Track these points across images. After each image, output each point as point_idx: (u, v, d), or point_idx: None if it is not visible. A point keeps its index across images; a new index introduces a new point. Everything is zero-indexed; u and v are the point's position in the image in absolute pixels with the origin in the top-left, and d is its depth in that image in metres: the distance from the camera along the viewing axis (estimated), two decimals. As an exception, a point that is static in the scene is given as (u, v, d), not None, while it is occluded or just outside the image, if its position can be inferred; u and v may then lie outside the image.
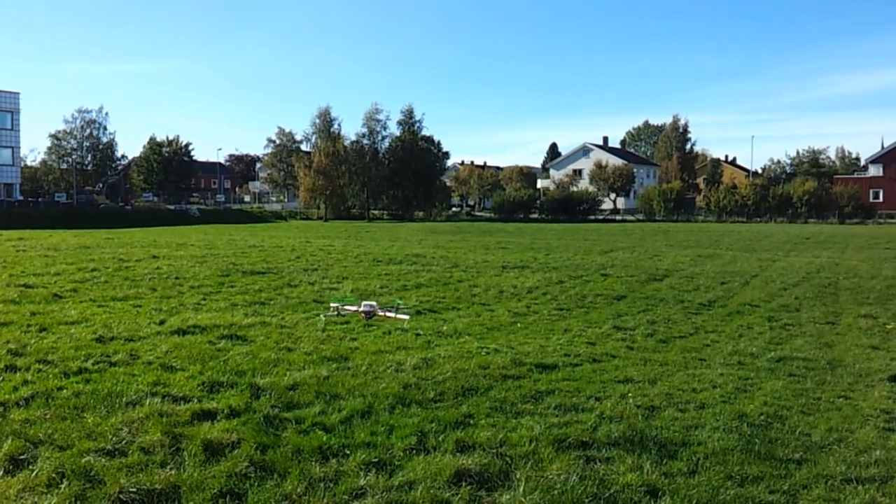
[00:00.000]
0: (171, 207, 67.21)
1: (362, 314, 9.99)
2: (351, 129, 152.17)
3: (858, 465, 4.97)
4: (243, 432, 5.19)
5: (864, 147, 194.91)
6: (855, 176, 78.10)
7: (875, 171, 74.10)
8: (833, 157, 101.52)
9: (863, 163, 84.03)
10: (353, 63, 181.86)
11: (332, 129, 71.27)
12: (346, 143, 71.76)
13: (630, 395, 6.57)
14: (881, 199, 68.86)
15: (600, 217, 70.31)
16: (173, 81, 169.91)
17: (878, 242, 30.73)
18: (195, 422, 5.44)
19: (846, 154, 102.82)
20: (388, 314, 10.12)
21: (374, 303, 10.50)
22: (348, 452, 4.89)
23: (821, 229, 45.61)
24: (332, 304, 10.67)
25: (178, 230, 41.91)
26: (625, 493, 4.43)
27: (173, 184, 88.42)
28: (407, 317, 10.08)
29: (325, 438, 5.13)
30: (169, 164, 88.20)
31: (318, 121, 72.11)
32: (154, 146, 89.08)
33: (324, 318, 9.97)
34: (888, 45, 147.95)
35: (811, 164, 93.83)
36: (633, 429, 5.57)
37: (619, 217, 71.80)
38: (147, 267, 16.53)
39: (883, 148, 77.30)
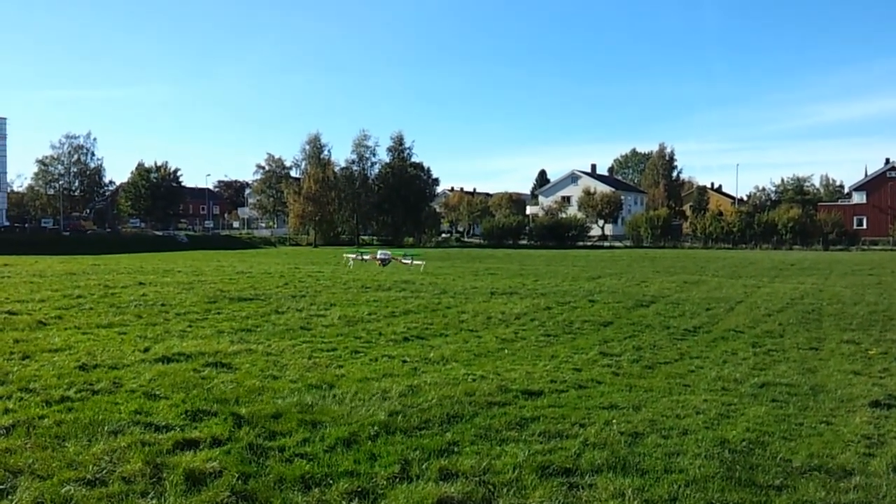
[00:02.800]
0: (159, 233, 67.02)
1: (379, 261, 11.09)
2: (340, 155, 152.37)
3: (838, 490, 5.01)
4: (226, 461, 5.17)
5: (848, 175, 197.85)
6: (839, 203, 79.45)
7: (858, 198, 75.66)
8: (817, 184, 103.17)
9: (846, 190, 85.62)
10: (342, 90, 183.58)
11: (321, 156, 71.78)
12: (336, 169, 72.16)
13: (614, 421, 6.60)
14: (865, 226, 70.06)
15: (588, 243, 70.79)
16: (162, 107, 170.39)
17: (861, 269, 31.12)
18: (177, 451, 5.40)
19: (830, 182, 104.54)
20: (403, 261, 10.92)
21: (389, 252, 11.41)
22: (331, 481, 4.87)
23: (805, 256, 46.11)
24: (349, 255, 11.53)
25: (166, 256, 41.71)
26: (606, 520, 4.43)
27: (161, 209, 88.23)
28: (422, 262, 10.70)
29: (307, 467, 5.10)
30: (157, 189, 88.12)
31: (307, 147, 72.66)
32: (142, 172, 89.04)
33: (352, 263, 10.59)
34: (871, 74, 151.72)
35: (796, 192, 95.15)
36: (616, 455, 5.60)
37: (606, 243, 72.33)
38: (133, 293, 16.44)
39: (866, 176, 79.23)
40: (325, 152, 72.43)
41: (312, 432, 5.93)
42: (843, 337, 12.28)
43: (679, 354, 10.62)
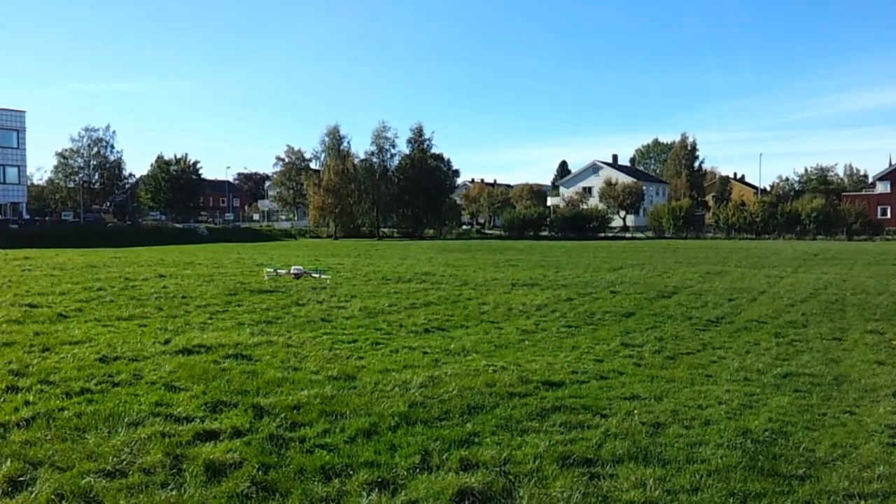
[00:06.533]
0: (179, 226, 67.61)
1: (293, 276, 13.02)
2: (360, 147, 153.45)
3: (861, 480, 4.93)
4: (246, 452, 5.20)
5: (872, 164, 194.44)
6: (863, 193, 77.99)
7: (883, 188, 74.22)
8: (841, 174, 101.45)
9: (870, 180, 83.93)
10: (362, 81, 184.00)
11: (341, 148, 71.55)
12: (356, 161, 71.97)
13: (636, 411, 6.54)
14: (889, 216, 68.82)
15: (610, 234, 70.23)
16: (181, 100, 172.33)
17: (885, 259, 30.52)
18: (197, 442, 5.45)
19: (854, 171, 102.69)
20: (313, 275, 12.56)
21: (301, 267, 13.68)
22: (351, 472, 4.86)
23: (829, 246, 45.30)
24: (267, 270, 14.31)
25: (186, 249, 42.15)
26: (627, 510, 4.40)
27: (181, 202, 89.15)
28: (328, 277, 13.21)
29: (328, 458, 5.10)
30: (177, 182, 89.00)
31: (326, 139, 72.55)
32: (162, 164, 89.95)
33: (267, 276, 12.58)
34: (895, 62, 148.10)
35: (819, 182, 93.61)
36: (637, 445, 5.55)
37: (628, 234, 71.73)
38: (153, 286, 16.62)
39: (891, 165, 77.66)
40: (345, 144, 72.23)
41: (333, 423, 5.93)
42: (867, 327, 12.06)
43: (701, 345, 10.48)
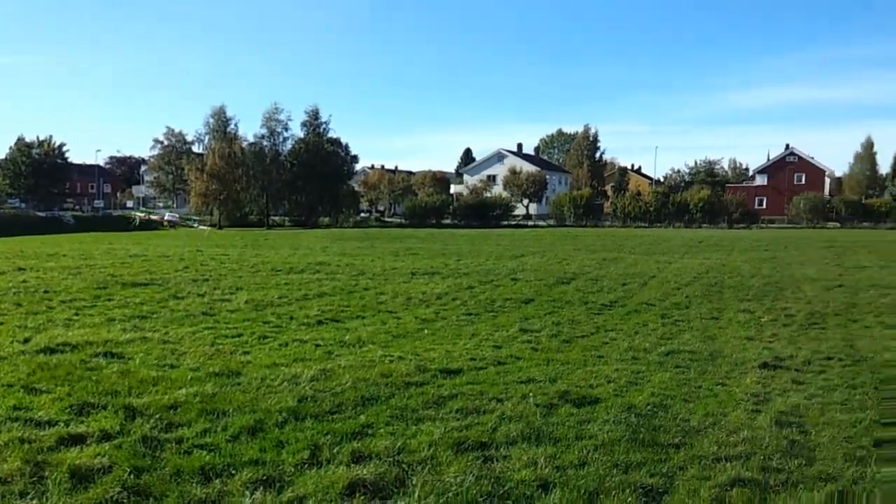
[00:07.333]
0: (42, 214, 62.42)
1: (167, 222, 12.45)
2: (250, 130, 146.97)
3: (728, 444, 5.50)
4: (116, 456, 4.95)
5: (753, 159, 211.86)
6: (743, 185, 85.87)
7: (761, 180, 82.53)
8: (726, 167, 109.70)
9: (751, 173, 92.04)
10: (251, 62, 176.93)
11: (227, 130, 68.31)
12: (244, 144, 68.97)
13: (531, 394, 6.84)
14: (765, 206, 76.10)
15: (513, 223, 72.05)
16: (46, 76, 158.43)
17: (759, 245, 33.52)
18: (61, 447, 5.13)
19: (737, 165, 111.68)
20: (193, 224, 12.15)
21: (176, 215, 13.10)
22: (234, 472, 4.76)
23: (712, 234, 49.04)
24: (137, 213, 12.34)
25: (50, 239, 39.01)
26: (518, 488, 4.64)
27: (45, 188, 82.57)
28: (207, 228, 11.46)
29: (208, 458, 4.97)
30: (40, 166, 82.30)
31: (211, 121, 69.00)
32: (22, 147, 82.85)
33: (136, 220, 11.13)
34: (776, 66, 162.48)
35: (707, 174, 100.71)
36: (531, 427, 5.83)
37: (531, 223, 73.84)
38: (11, 280, 15.30)
39: (768, 160, 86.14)
40: (232, 126, 68.97)
41: (214, 422, 5.77)
42: (741, 307, 13.32)
43: (595, 328, 11.09)
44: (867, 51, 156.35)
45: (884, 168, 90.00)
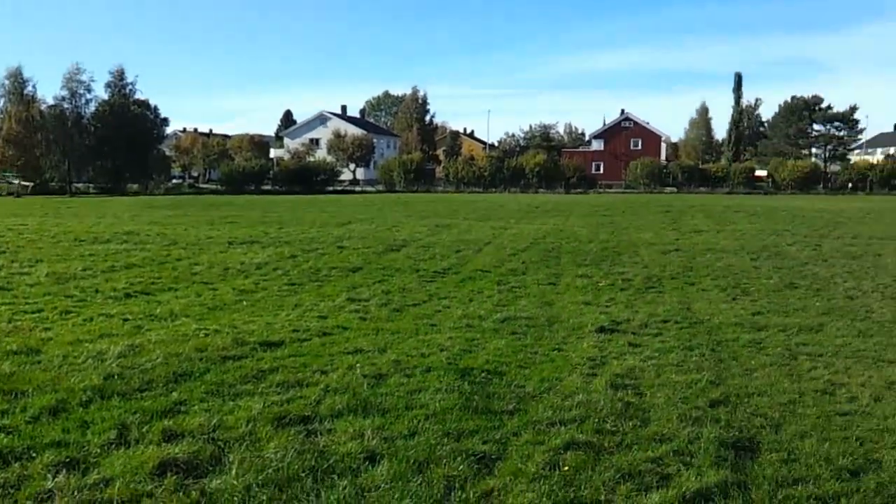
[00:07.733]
0: None
1: None
2: (49, 92, 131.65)
3: (563, 409, 5.94)
4: None
5: (589, 123, 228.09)
6: (580, 150, 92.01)
7: (597, 145, 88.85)
8: (562, 132, 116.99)
9: (587, 138, 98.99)
10: (51, 19, 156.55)
11: (24, 92, 64.64)
12: (43, 107, 65.74)
13: (358, 365, 6.96)
14: (602, 171, 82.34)
15: (339, 188, 71.62)
16: None
17: (597, 210, 36.43)
18: None
19: (573, 129, 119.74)
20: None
21: None
22: (34, 454, 4.76)
23: (549, 199, 52.38)
24: None
25: None
26: (344, 461, 4.74)
27: None
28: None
29: (6, 441, 4.96)
30: None
31: (6, 82, 64.97)
32: None
33: None
34: (610, 32, 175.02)
35: (542, 139, 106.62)
36: (357, 398, 5.96)
37: (358, 188, 73.85)
38: None
39: (604, 125, 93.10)
40: (30, 88, 65.38)
41: (12, 403, 5.75)
42: (578, 272, 14.37)
43: (428, 296, 11.45)
44: (698, 13, 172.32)
45: (719, 134, 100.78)
